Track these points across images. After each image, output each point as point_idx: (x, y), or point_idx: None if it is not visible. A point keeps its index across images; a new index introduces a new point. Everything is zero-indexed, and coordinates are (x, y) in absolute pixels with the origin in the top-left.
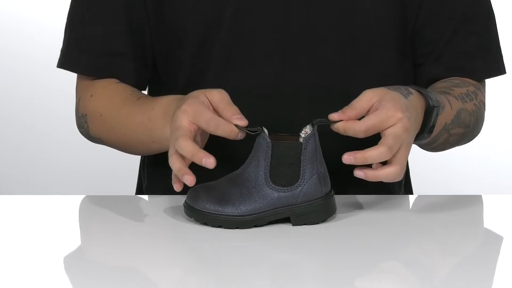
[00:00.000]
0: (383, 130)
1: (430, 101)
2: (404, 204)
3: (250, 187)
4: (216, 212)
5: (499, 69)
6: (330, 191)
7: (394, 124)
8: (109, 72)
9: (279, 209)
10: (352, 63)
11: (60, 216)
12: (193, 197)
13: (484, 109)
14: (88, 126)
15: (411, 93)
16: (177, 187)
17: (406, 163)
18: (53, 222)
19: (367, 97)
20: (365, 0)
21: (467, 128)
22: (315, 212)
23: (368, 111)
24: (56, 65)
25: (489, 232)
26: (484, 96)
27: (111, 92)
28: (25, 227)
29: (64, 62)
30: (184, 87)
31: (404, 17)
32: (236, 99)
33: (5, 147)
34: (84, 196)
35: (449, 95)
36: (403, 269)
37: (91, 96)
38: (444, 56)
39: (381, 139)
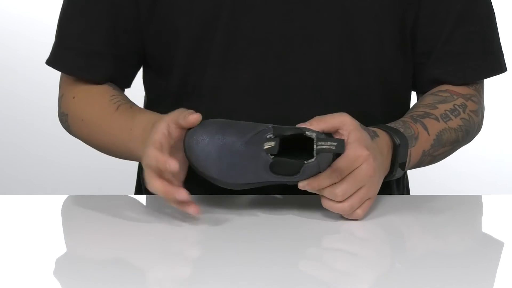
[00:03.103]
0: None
1: (396, 140)
2: (401, 204)
3: (249, 168)
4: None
5: (500, 68)
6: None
7: (360, 165)
8: (87, 71)
9: (276, 182)
10: (350, 63)
11: (60, 216)
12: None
13: (479, 115)
14: (69, 126)
15: (377, 136)
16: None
17: (359, 203)
18: (52, 222)
19: (341, 118)
20: (363, 0)
21: (454, 143)
22: None
23: (334, 132)
24: (46, 63)
25: (488, 233)
26: (480, 101)
27: (92, 98)
28: (25, 227)
29: (50, 60)
30: (180, 88)
31: (403, 17)
32: (233, 100)
33: (5, 147)
34: (83, 196)
35: (428, 119)
36: (401, 270)
37: (74, 98)
38: (443, 57)
39: (347, 176)
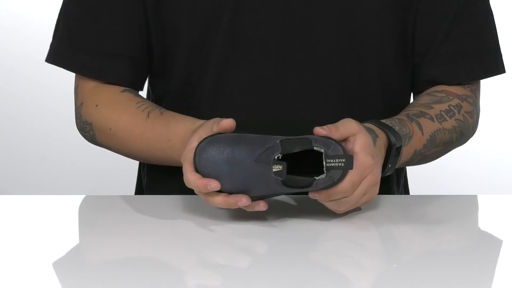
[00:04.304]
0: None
1: (392, 139)
2: (399, 204)
3: (261, 183)
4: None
5: (498, 69)
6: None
7: (367, 175)
8: (102, 73)
9: (288, 192)
10: (350, 63)
11: (60, 216)
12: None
13: (474, 116)
14: (95, 134)
15: (377, 136)
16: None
17: (356, 206)
18: (53, 222)
19: (351, 127)
20: (364, 1)
21: (447, 144)
22: None
23: (343, 140)
24: (50, 62)
25: (483, 232)
26: (475, 102)
27: (117, 105)
28: (25, 227)
29: (56, 59)
30: (181, 88)
31: (404, 18)
32: (234, 99)
33: (5, 147)
34: (84, 196)
35: (423, 118)
36: (398, 269)
37: (96, 106)
38: (439, 58)
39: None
